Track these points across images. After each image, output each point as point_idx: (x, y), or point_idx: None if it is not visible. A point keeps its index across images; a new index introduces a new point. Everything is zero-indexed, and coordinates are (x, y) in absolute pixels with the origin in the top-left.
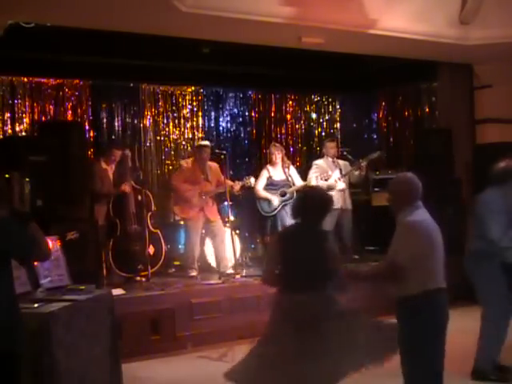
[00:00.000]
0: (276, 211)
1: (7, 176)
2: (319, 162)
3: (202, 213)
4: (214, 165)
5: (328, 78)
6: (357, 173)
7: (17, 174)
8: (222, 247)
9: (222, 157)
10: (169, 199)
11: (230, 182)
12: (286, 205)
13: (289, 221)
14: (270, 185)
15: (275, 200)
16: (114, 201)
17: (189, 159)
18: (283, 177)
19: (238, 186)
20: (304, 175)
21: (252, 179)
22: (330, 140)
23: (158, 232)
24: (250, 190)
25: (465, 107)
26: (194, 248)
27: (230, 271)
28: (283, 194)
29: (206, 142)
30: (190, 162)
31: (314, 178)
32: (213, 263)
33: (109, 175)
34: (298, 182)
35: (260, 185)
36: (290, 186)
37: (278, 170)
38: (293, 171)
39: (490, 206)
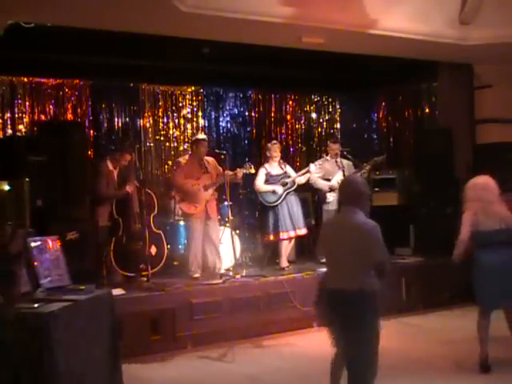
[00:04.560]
0: (281, 199)
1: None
2: (318, 162)
3: (205, 208)
4: (210, 159)
5: (328, 78)
6: (359, 174)
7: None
8: (216, 246)
9: (222, 157)
10: (170, 199)
11: (230, 172)
12: (289, 193)
13: (296, 208)
14: (269, 180)
15: (279, 189)
16: (118, 201)
17: (185, 156)
18: (280, 171)
19: (240, 173)
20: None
21: (252, 166)
22: (333, 141)
23: (161, 232)
24: (252, 189)
25: (465, 107)
26: (197, 248)
27: (222, 271)
28: (284, 184)
29: (203, 136)
30: (187, 158)
31: (312, 168)
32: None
33: (114, 177)
34: (294, 174)
35: (260, 181)
36: (289, 177)
37: (275, 166)
38: (289, 168)
39: None
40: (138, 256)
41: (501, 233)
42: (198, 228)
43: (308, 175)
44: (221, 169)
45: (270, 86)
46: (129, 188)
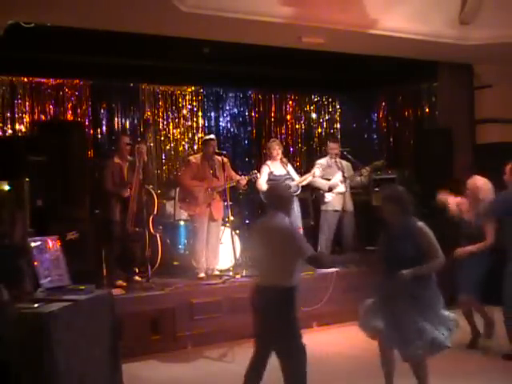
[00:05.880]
0: None
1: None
2: (322, 162)
3: (208, 209)
4: (225, 160)
5: (328, 78)
6: (358, 178)
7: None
8: (215, 245)
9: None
10: (170, 198)
11: (237, 177)
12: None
13: (295, 208)
14: (272, 179)
15: None
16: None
17: (197, 155)
18: (283, 172)
19: (244, 180)
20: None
21: (258, 173)
22: (332, 140)
23: (157, 235)
24: (253, 188)
25: (465, 107)
26: (201, 248)
27: (217, 273)
28: (288, 188)
29: (212, 136)
30: (198, 158)
31: (317, 172)
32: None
33: (122, 170)
34: (297, 178)
35: (263, 180)
36: (292, 180)
37: (278, 165)
38: (290, 168)
39: None
40: (135, 257)
41: None
42: (201, 228)
43: (310, 178)
44: (232, 173)
45: (270, 85)
46: (124, 193)
